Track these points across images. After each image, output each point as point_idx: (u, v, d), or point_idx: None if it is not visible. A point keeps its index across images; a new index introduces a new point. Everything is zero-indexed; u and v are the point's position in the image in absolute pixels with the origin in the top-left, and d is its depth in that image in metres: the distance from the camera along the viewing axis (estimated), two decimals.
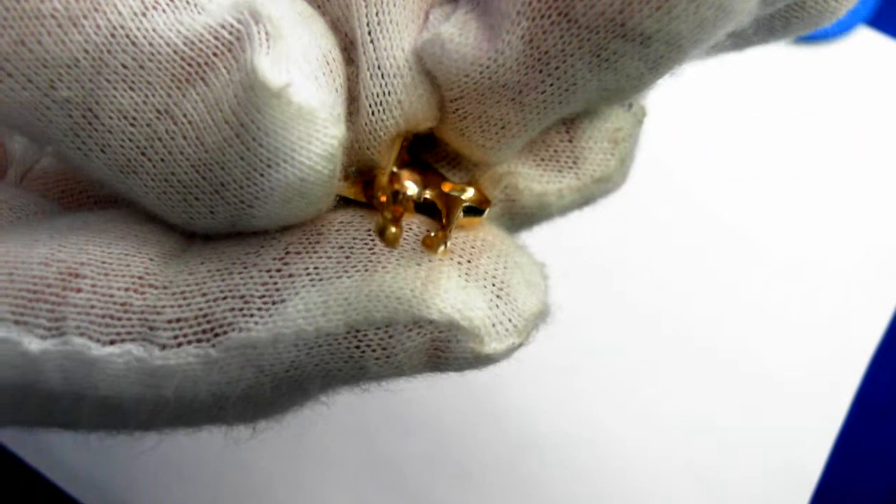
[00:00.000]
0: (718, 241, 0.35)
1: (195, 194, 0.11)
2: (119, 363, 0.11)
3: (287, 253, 0.12)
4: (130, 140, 0.10)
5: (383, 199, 0.12)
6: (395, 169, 0.13)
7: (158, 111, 0.10)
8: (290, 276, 0.11)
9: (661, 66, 0.11)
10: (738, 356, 0.33)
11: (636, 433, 0.32)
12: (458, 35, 0.11)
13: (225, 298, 0.11)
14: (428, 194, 0.13)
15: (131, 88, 0.10)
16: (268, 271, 0.11)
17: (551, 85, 0.11)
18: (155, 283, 0.11)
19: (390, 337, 0.11)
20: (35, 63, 0.10)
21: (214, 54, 0.10)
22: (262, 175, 0.10)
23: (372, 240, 0.12)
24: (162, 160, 0.10)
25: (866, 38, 0.39)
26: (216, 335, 0.11)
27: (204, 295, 0.11)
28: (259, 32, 0.10)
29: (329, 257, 0.12)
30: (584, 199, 0.15)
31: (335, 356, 0.12)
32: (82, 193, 0.14)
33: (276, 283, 0.11)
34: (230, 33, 0.10)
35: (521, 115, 0.12)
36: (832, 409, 0.32)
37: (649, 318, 0.33)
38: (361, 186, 0.13)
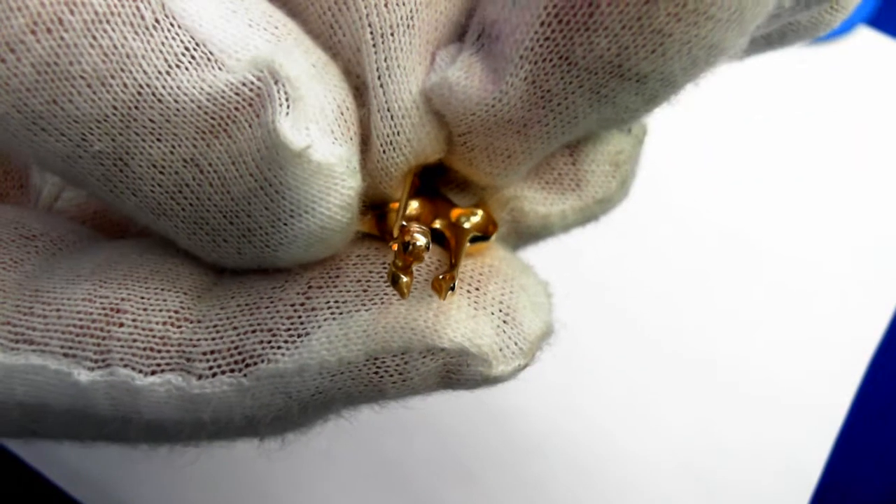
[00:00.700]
0: (718, 240, 0.35)
1: (223, 237, 0.12)
2: (161, 391, 0.12)
3: (309, 287, 0.13)
4: (160, 186, 0.11)
5: (394, 247, 0.13)
6: (412, 203, 0.14)
7: (185, 161, 0.11)
8: (313, 309, 0.12)
9: (658, 99, 0.12)
10: (738, 357, 0.33)
11: (636, 434, 0.32)
12: (465, 78, 0.12)
13: (254, 332, 0.12)
14: (438, 224, 0.14)
15: (159, 140, 0.11)
16: (292, 305, 0.12)
17: (553, 119, 0.12)
18: (190, 318, 0.12)
19: (406, 363, 0.12)
20: (67, 120, 0.10)
21: (237, 109, 0.11)
22: (285, 224, 0.11)
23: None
24: (191, 205, 0.11)
25: (866, 38, 0.39)
26: (247, 365, 0.12)
27: (235, 329, 0.12)
28: (279, 93, 0.10)
29: (348, 291, 0.13)
30: (586, 218, 0.16)
31: (356, 382, 0.12)
32: (117, 222, 0.15)
33: (300, 317, 0.12)
34: (250, 90, 0.11)
35: (526, 145, 0.13)
36: (832, 409, 0.32)
37: (649, 319, 0.33)
38: (375, 220, 0.14)
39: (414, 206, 0.14)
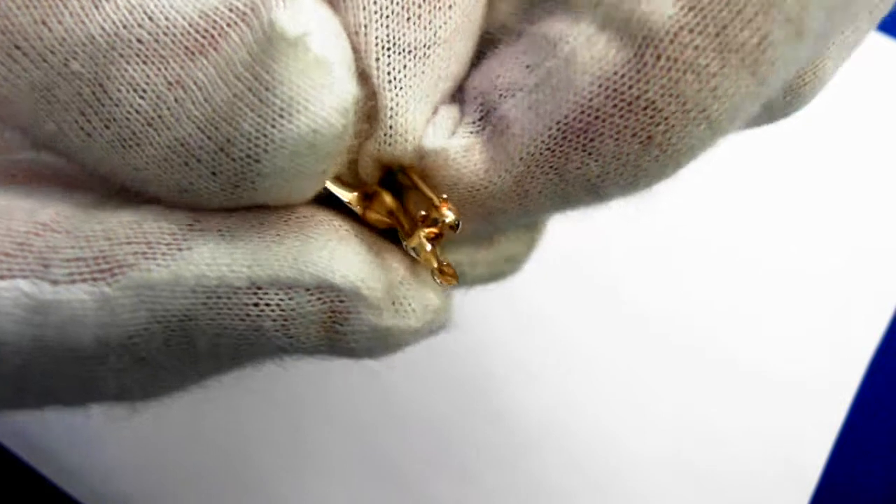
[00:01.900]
0: (718, 240, 0.35)
1: (198, 155, 0.11)
2: (7, 298, 0.11)
3: (202, 213, 0.12)
4: (137, 112, 0.11)
5: (420, 216, 0.13)
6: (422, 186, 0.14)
7: (169, 82, 0.10)
8: (202, 230, 0.12)
9: (612, 201, 0.13)
10: (738, 356, 0.33)
11: (636, 433, 0.32)
12: (462, 157, 0.13)
13: (129, 243, 0.11)
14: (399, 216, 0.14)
15: (144, 62, 0.10)
16: (178, 224, 0.12)
17: (520, 211, 0.13)
18: (58, 228, 0.12)
19: (290, 299, 0.12)
20: (53, 41, 0.10)
21: (228, 25, 0.10)
22: (273, 126, 0.11)
23: (288, 212, 0.12)
24: (168, 128, 0.11)
25: (866, 38, 0.39)
26: (114, 275, 0.11)
27: (108, 239, 0.11)
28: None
29: (243, 220, 0.12)
30: (493, 275, 0.16)
31: (232, 311, 0.12)
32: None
33: (184, 235, 0.12)
34: (244, 4, 0.10)
35: (486, 222, 0.13)
36: (832, 409, 0.32)
37: (649, 318, 0.33)
38: (361, 196, 0.13)
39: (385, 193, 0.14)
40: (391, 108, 0.12)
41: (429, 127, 0.13)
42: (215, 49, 0.10)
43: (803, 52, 0.11)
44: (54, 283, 0.11)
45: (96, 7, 0.10)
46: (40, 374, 0.12)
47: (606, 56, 0.11)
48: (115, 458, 0.30)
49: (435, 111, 0.13)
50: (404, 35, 0.12)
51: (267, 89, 0.10)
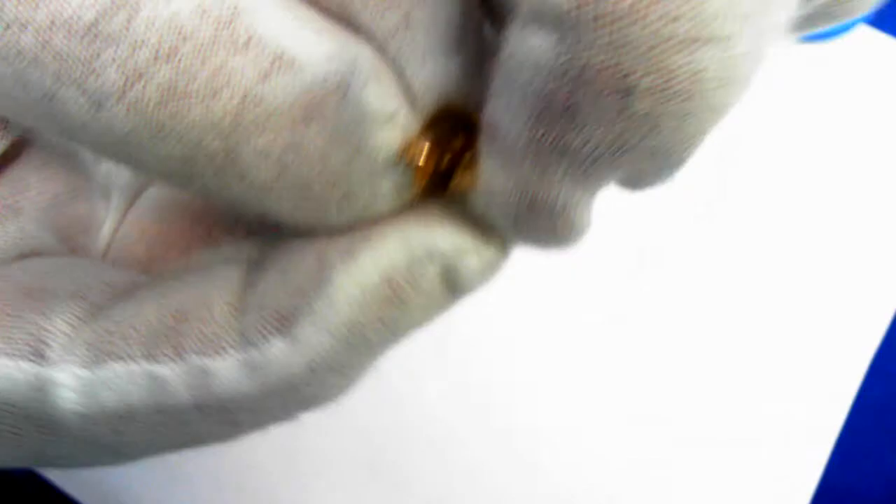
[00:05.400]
0: (718, 240, 0.35)
1: (325, 202, 0.14)
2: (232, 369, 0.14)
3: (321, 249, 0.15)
4: (266, 170, 0.13)
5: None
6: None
7: (286, 145, 0.13)
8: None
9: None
10: (738, 356, 0.33)
11: (635, 433, 0.32)
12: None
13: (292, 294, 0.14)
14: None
15: (262, 133, 0.13)
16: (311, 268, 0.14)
17: None
18: (239, 307, 0.15)
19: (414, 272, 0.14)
20: (186, 127, 0.13)
21: (325, 96, 0.13)
22: (382, 178, 0.13)
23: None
24: (293, 181, 0.13)
25: (866, 37, 0.39)
26: (289, 324, 0.14)
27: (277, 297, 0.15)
28: (357, 76, 0.13)
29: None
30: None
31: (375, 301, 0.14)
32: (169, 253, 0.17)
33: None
34: (335, 77, 0.13)
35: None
36: (832, 409, 0.32)
37: (648, 318, 0.33)
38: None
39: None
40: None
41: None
42: (320, 116, 0.13)
43: None
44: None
45: (214, 97, 0.12)
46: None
47: (540, 46, 0.12)
48: None
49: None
50: None
51: (370, 155, 0.13)
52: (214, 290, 0.15)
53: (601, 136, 0.12)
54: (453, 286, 0.14)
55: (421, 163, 0.14)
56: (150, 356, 0.14)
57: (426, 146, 0.14)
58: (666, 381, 0.32)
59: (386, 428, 0.31)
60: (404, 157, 0.14)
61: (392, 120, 0.13)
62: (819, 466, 0.31)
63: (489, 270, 0.15)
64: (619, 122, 0.11)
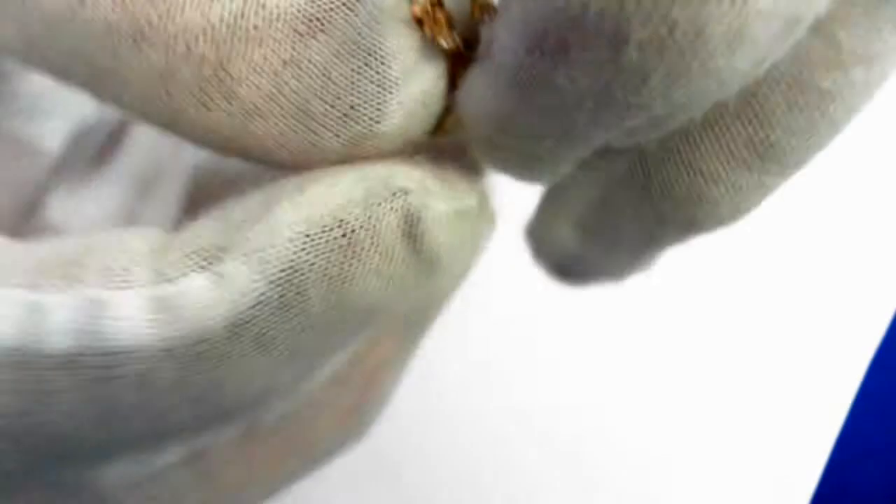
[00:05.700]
0: (717, 240, 0.35)
1: (322, 122, 0.12)
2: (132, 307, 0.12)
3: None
4: (258, 87, 0.12)
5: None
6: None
7: (284, 61, 0.12)
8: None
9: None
10: (738, 356, 0.33)
11: (634, 432, 0.32)
12: None
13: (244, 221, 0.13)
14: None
15: (259, 45, 0.12)
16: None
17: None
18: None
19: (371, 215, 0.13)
20: (177, 30, 0.11)
21: (331, 9, 0.12)
22: (391, 92, 0.12)
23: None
24: (289, 101, 0.12)
25: None
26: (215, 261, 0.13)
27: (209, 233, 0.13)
28: None
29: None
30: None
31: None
32: None
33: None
34: None
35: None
36: (832, 409, 0.32)
37: (648, 317, 0.33)
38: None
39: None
40: None
41: None
42: (324, 31, 0.12)
43: None
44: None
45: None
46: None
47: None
48: None
49: None
50: None
51: (383, 63, 0.12)
52: (139, 231, 0.13)
53: (587, 84, 0.11)
54: (416, 241, 0.12)
55: (441, 36, 0.12)
56: (34, 285, 0.12)
57: (444, 14, 0.12)
58: (665, 379, 0.32)
59: (386, 429, 0.31)
60: (422, 24, 0.12)
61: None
62: (819, 466, 0.31)
63: (459, 226, 0.13)
64: (607, 71, 0.10)
